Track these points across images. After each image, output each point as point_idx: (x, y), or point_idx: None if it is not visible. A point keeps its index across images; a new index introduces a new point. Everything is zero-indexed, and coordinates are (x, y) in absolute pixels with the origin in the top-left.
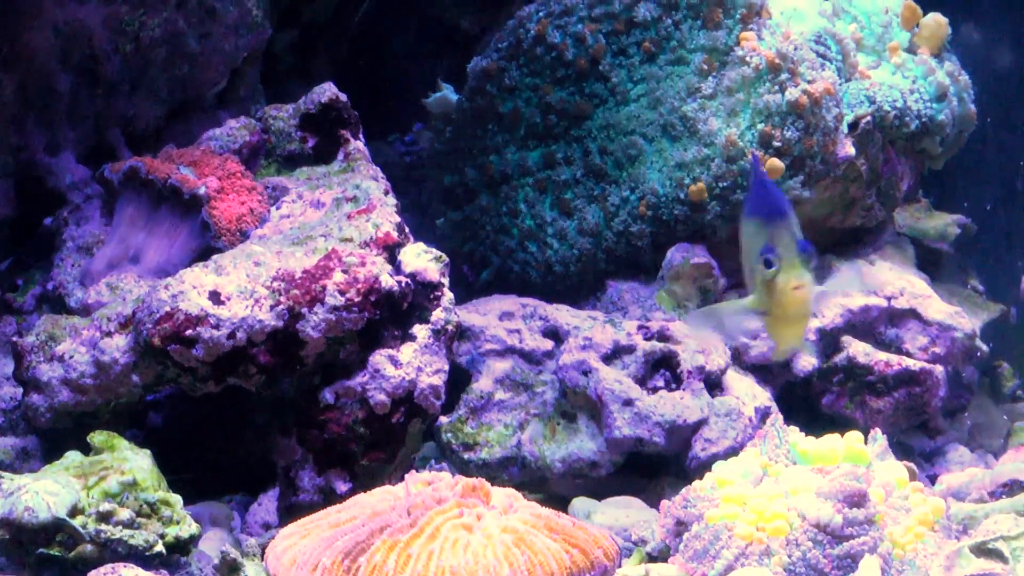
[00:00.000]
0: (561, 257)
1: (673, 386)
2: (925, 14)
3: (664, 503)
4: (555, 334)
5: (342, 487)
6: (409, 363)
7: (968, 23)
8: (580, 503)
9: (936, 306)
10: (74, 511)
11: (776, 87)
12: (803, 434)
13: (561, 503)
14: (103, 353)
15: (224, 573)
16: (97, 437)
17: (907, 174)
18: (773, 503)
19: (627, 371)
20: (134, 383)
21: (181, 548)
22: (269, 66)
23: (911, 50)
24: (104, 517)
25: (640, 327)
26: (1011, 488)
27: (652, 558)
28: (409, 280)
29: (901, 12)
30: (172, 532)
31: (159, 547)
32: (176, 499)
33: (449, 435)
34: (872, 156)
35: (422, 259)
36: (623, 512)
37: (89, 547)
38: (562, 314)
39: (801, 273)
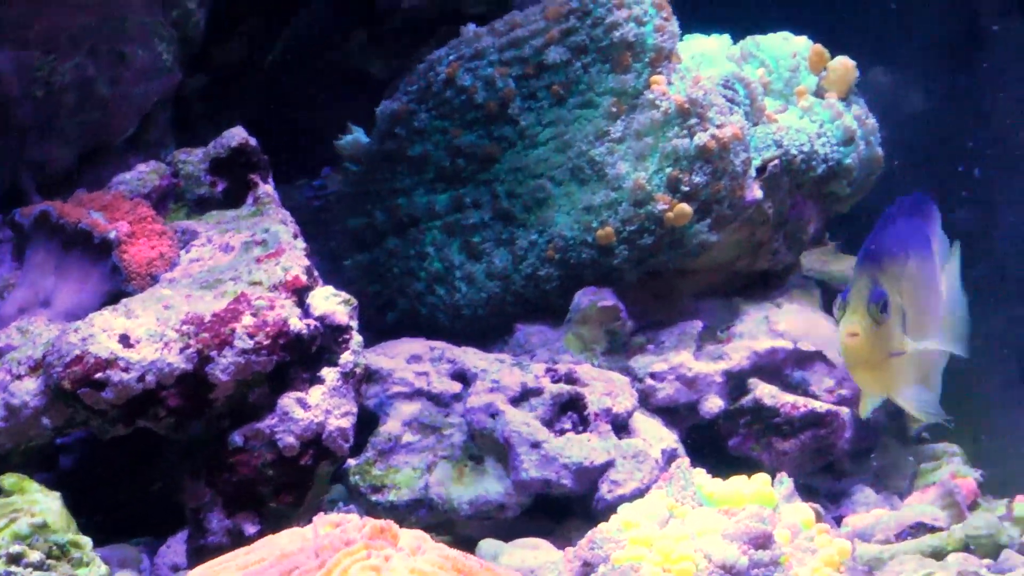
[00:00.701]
0: (469, 301)
1: (580, 428)
2: (833, 58)
3: (569, 549)
4: (463, 377)
5: (251, 529)
6: (318, 406)
7: (876, 67)
8: (487, 545)
9: None
10: None
11: (685, 131)
12: (710, 476)
13: (469, 545)
14: (13, 396)
15: None
16: (7, 480)
17: (814, 217)
18: (679, 544)
19: (535, 413)
20: (44, 426)
21: None
22: (180, 111)
23: (819, 94)
24: (14, 559)
25: (548, 370)
26: (917, 530)
27: None
28: (318, 323)
29: (809, 56)
30: (81, 574)
31: None
32: (86, 541)
33: (357, 477)
34: (779, 200)
35: (331, 302)
36: (531, 554)
37: None
38: (470, 357)
39: (858, 320)
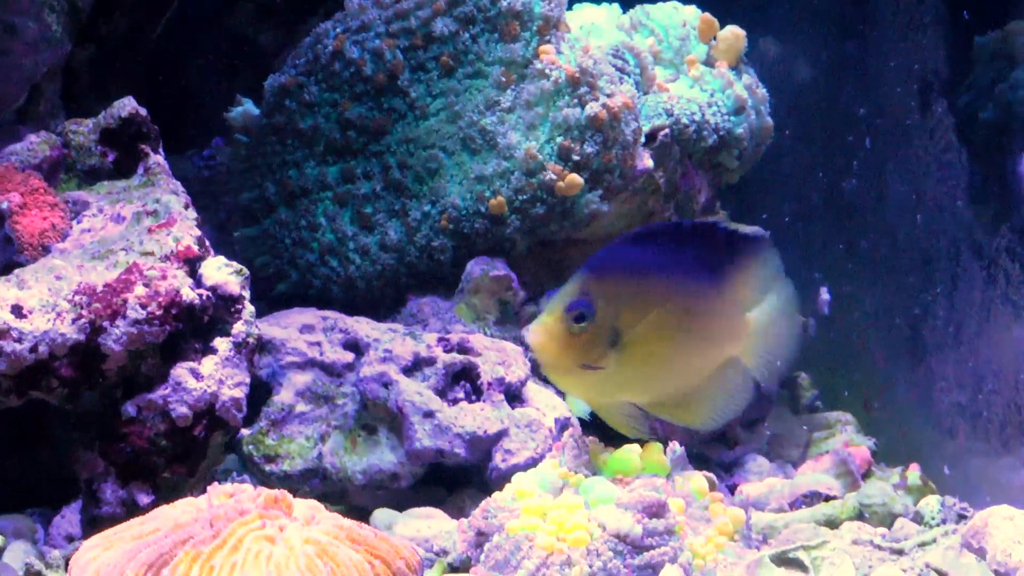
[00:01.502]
0: (364, 273)
1: (474, 398)
2: (722, 27)
3: (463, 520)
4: (356, 347)
5: (144, 500)
6: (211, 376)
7: (765, 36)
8: (381, 514)
9: None
10: None
11: (575, 101)
12: (602, 445)
13: (363, 515)
14: None
15: None
16: None
17: (705, 187)
18: (573, 514)
19: (428, 383)
20: None
21: None
22: (68, 82)
23: (709, 63)
24: None
25: (440, 339)
26: (811, 499)
27: (454, 569)
28: (210, 293)
29: (698, 25)
30: None
31: None
32: None
33: (251, 447)
34: (670, 169)
35: (223, 272)
36: (425, 523)
37: None
38: (362, 326)
39: (549, 323)
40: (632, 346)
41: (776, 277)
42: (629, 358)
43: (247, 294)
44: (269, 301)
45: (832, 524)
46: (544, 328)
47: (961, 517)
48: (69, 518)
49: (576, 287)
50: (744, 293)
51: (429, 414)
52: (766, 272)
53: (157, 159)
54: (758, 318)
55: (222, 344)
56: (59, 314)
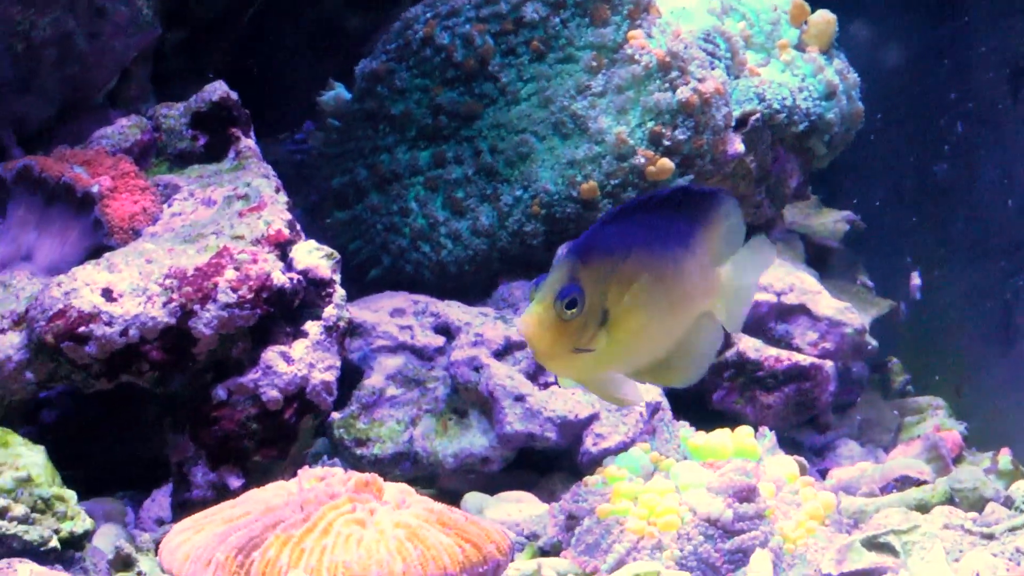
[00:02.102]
0: (455, 258)
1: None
2: (813, 11)
3: (554, 503)
4: (446, 330)
5: (235, 483)
6: (301, 359)
7: (857, 20)
8: (472, 498)
9: (826, 302)
10: None
11: (666, 85)
12: (693, 429)
13: (453, 498)
14: None
15: (118, 568)
16: None
17: (796, 171)
18: (664, 498)
19: (519, 367)
20: (27, 380)
21: (75, 543)
22: (159, 65)
23: (800, 48)
24: None
25: None
26: (902, 483)
27: (544, 552)
28: (301, 277)
29: (790, 10)
30: (67, 527)
31: (54, 542)
32: (70, 495)
33: (341, 431)
34: (761, 153)
35: (313, 256)
36: (515, 507)
37: None
38: (453, 310)
39: (541, 312)
40: (619, 322)
41: (740, 230)
42: (617, 333)
43: (338, 278)
44: (360, 285)
45: (923, 509)
46: (536, 317)
47: None
48: (159, 501)
49: (564, 273)
50: (713, 249)
51: (520, 398)
52: (730, 226)
53: (248, 143)
54: (728, 271)
55: (313, 328)
56: (150, 298)
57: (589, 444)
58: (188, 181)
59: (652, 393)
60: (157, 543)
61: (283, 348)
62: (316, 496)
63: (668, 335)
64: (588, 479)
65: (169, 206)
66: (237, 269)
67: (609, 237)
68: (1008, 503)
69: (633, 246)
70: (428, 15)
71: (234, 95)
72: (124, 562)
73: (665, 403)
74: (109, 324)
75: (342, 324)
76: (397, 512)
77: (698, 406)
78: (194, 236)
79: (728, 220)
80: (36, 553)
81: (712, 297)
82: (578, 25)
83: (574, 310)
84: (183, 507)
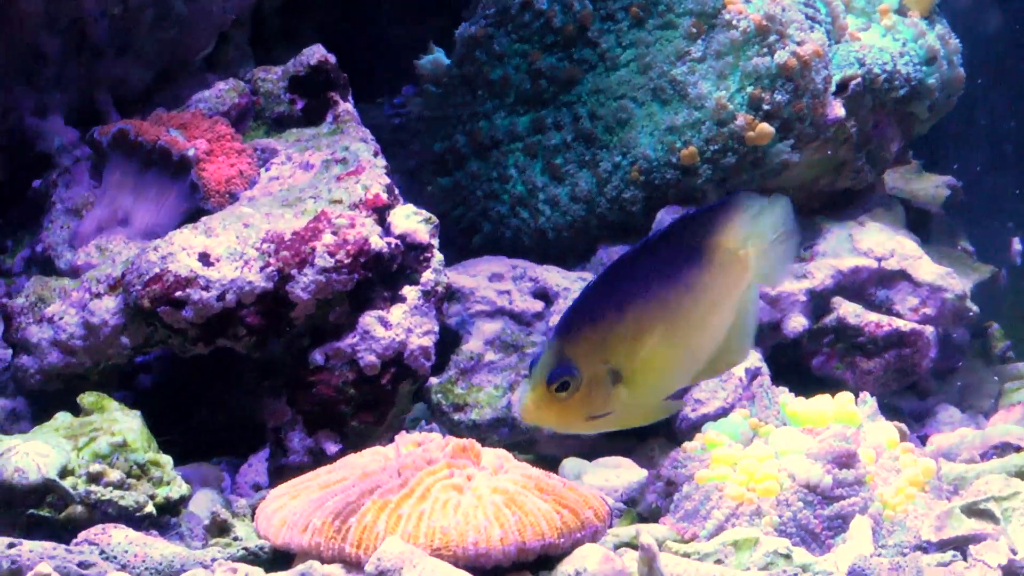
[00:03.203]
0: (554, 223)
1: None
2: None
3: (653, 470)
4: (545, 295)
5: (332, 448)
6: (399, 324)
7: None
8: (570, 464)
9: (926, 267)
10: (64, 472)
11: (765, 50)
12: (793, 395)
13: (551, 464)
14: (92, 315)
15: (214, 534)
16: (87, 398)
17: (896, 136)
18: (763, 464)
19: None
20: (123, 345)
21: (171, 509)
22: (257, 29)
23: (901, 12)
24: (94, 478)
25: None
26: (1002, 449)
27: (643, 518)
28: (399, 242)
29: None
30: (162, 493)
31: (149, 508)
32: (166, 460)
33: (439, 396)
34: (862, 118)
35: (411, 221)
36: (613, 473)
37: (79, 508)
38: (552, 275)
39: (537, 398)
40: (638, 376)
41: (758, 208)
42: (638, 387)
43: (436, 242)
44: (460, 250)
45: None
46: (534, 405)
47: None
48: (256, 467)
49: (551, 357)
50: (729, 244)
51: None
52: (745, 214)
53: (346, 107)
54: (754, 247)
55: (411, 292)
56: (247, 262)
57: (688, 410)
58: (286, 145)
59: (752, 359)
60: (253, 508)
61: (381, 313)
62: (414, 461)
63: (703, 352)
64: (687, 445)
65: (267, 170)
66: (335, 233)
67: (595, 303)
68: None
69: (628, 300)
70: None
71: (332, 58)
72: (220, 528)
73: (764, 369)
74: (206, 289)
75: (440, 289)
76: (495, 478)
77: (798, 372)
78: (292, 200)
79: (741, 212)
80: (131, 519)
81: (744, 281)
82: None
83: (566, 392)
84: (280, 472)
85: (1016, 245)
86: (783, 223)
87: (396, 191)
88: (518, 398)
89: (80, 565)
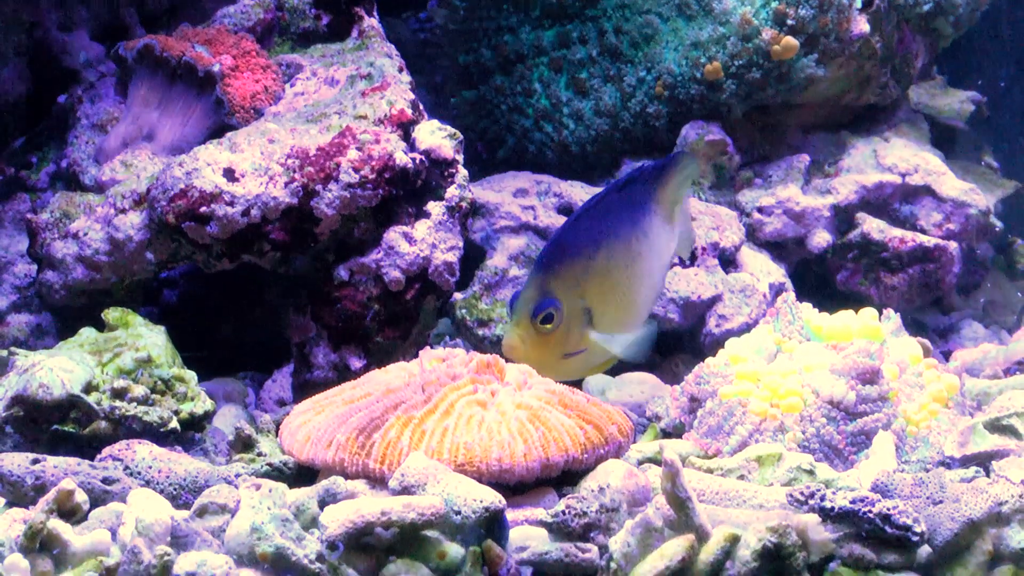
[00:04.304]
0: (577, 138)
1: (688, 263)
2: None
3: (676, 386)
4: (569, 211)
5: (356, 364)
6: (423, 240)
7: None
8: (594, 380)
9: (951, 183)
10: (88, 388)
11: None
12: (817, 311)
13: (575, 380)
14: (117, 230)
15: (238, 449)
16: (112, 314)
17: (921, 52)
18: (787, 380)
19: None
20: (148, 260)
21: (195, 425)
22: None
23: None
24: (119, 394)
25: None
26: None
27: (666, 434)
28: (423, 157)
29: None
30: (186, 408)
31: (173, 423)
32: (191, 375)
33: (463, 311)
34: (887, 34)
35: (436, 136)
36: (637, 388)
37: (103, 424)
38: (576, 190)
39: (520, 332)
40: (605, 314)
41: (690, 172)
42: (605, 324)
43: (460, 158)
44: (485, 165)
45: None
46: (518, 339)
47: None
48: (280, 382)
49: (535, 290)
50: (666, 200)
51: None
52: (680, 175)
53: (371, 22)
54: (679, 214)
55: (435, 208)
56: (272, 178)
57: (712, 325)
58: (311, 60)
59: (776, 274)
60: (278, 424)
61: (405, 228)
62: (438, 377)
63: (651, 297)
64: (710, 360)
65: (292, 85)
66: (360, 149)
67: (576, 239)
68: None
69: (601, 239)
70: None
71: None
72: (244, 443)
73: (788, 284)
74: (231, 204)
75: (464, 204)
76: (519, 393)
77: (822, 288)
78: (317, 116)
79: (677, 174)
80: (156, 434)
81: (672, 243)
82: None
83: (550, 324)
84: (304, 388)
85: None
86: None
87: (421, 107)
88: (502, 335)
89: (104, 481)
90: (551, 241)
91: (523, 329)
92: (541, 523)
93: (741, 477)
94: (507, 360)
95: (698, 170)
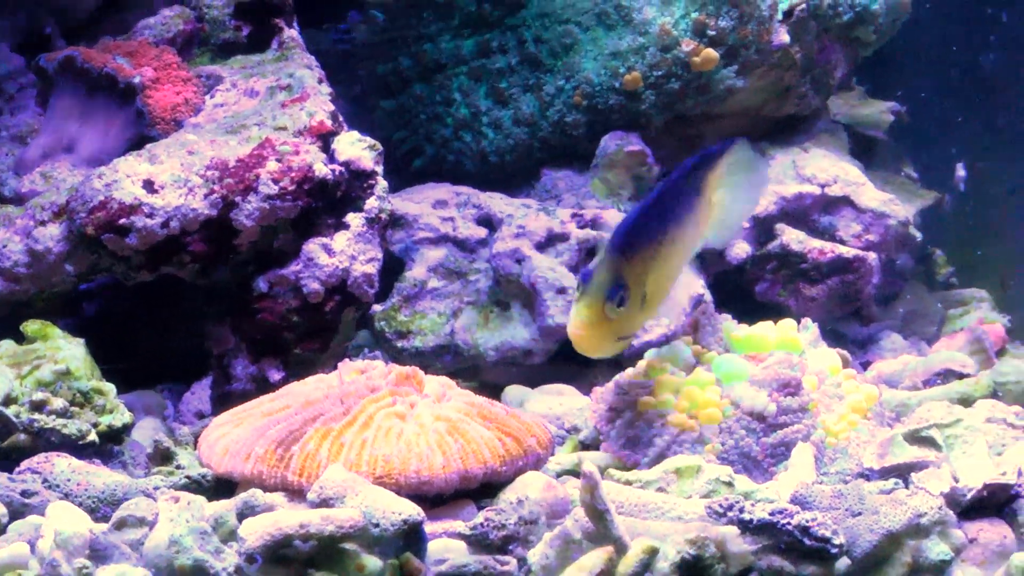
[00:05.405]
0: (496, 147)
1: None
2: None
3: (597, 390)
4: (489, 222)
5: (275, 376)
6: (343, 251)
7: None
8: (513, 391)
9: (870, 193)
10: (7, 400)
11: None
12: (736, 322)
13: (494, 391)
14: (37, 242)
15: (157, 462)
16: (31, 326)
17: (841, 62)
18: (706, 390)
19: (561, 259)
20: (68, 272)
21: (114, 437)
22: None
23: None
24: (37, 406)
25: (574, 215)
26: (945, 376)
27: (585, 446)
28: (343, 169)
29: None
30: (105, 421)
31: (92, 436)
32: (110, 388)
33: (383, 323)
34: (807, 44)
35: (356, 147)
36: (556, 400)
37: (22, 436)
38: (496, 202)
39: (591, 315)
40: (653, 300)
41: (741, 159)
42: (651, 306)
43: (380, 169)
44: (403, 176)
45: (966, 402)
46: (587, 320)
47: None
48: (199, 394)
49: (611, 273)
50: (713, 186)
51: (562, 290)
52: (731, 160)
53: (291, 33)
54: (719, 197)
55: (355, 219)
56: (191, 189)
57: None
58: (231, 72)
59: (695, 286)
60: (196, 436)
61: (325, 240)
62: (357, 389)
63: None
64: (629, 371)
65: (212, 97)
66: (279, 160)
67: (648, 224)
68: None
69: (668, 227)
70: None
71: None
72: (163, 456)
73: (708, 296)
74: (150, 216)
75: (384, 216)
76: (438, 405)
77: (741, 298)
78: (236, 127)
79: (730, 157)
80: (74, 447)
81: (706, 226)
82: None
83: (623, 307)
84: (223, 400)
85: (960, 171)
86: (748, 177)
87: (341, 118)
88: (571, 314)
89: (23, 494)
90: (627, 223)
91: (593, 312)
92: (460, 535)
93: (660, 489)
94: (572, 340)
95: (753, 156)
